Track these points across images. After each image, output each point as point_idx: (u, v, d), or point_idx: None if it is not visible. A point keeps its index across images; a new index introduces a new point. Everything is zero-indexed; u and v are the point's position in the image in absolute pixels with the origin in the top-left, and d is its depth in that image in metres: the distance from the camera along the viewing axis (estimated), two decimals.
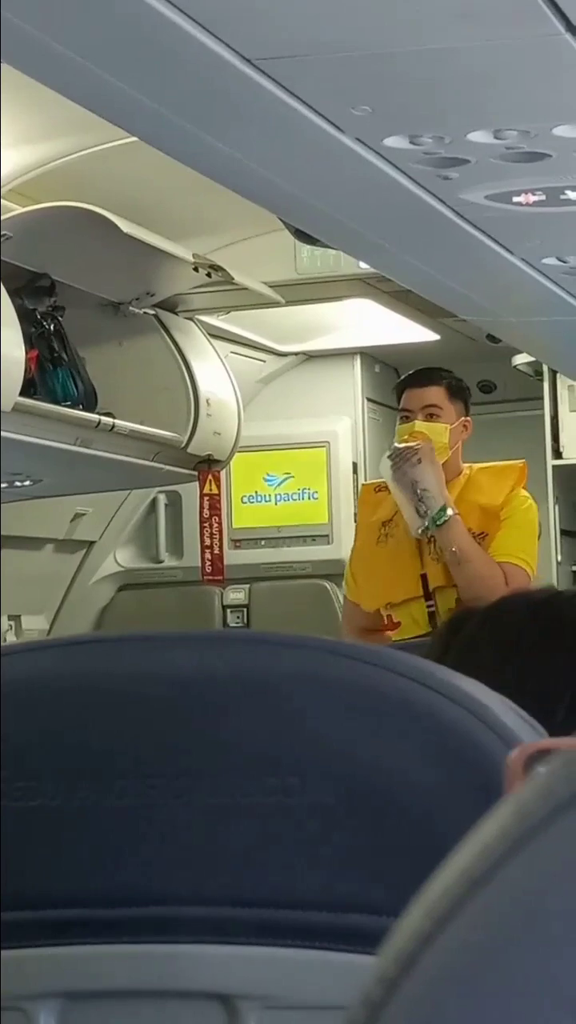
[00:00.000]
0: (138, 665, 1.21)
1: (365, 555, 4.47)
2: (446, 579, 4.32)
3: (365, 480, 6.24)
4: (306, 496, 6.58)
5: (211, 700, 1.18)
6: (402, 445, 4.37)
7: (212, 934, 1.16)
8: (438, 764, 1.13)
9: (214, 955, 1.16)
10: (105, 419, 5.01)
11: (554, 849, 0.41)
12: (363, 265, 4.78)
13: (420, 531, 4.31)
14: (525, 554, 4.38)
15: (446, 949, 0.41)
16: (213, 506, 5.73)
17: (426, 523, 4.28)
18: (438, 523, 4.27)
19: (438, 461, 4.35)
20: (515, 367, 6.39)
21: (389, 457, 4.40)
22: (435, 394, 4.45)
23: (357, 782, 1.14)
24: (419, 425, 4.40)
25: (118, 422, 5.05)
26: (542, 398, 6.42)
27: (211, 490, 5.72)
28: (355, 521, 4.77)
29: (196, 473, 5.65)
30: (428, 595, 4.35)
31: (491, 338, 5.39)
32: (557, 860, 0.40)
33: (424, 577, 4.36)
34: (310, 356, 6.69)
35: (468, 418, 4.52)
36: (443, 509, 4.28)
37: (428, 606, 4.34)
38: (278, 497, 6.62)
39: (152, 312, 5.53)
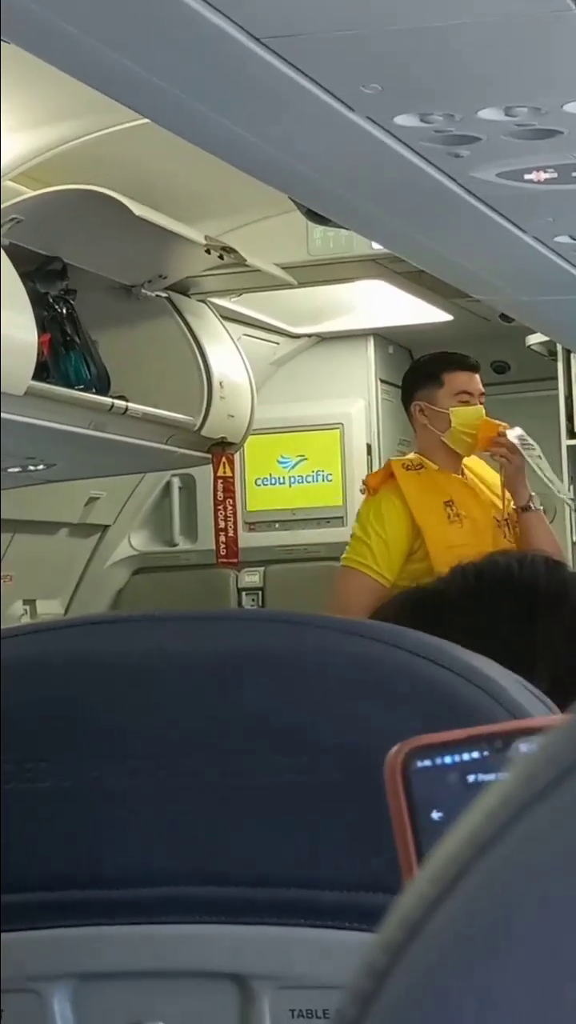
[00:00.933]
0: (150, 644, 1.20)
1: (438, 533, 4.63)
2: None
3: (379, 462, 6.24)
4: (320, 478, 6.57)
5: (223, 679, 1.17)
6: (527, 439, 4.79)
7: (225, 914, 1.15)
8: None
9: (228, 935, 1.15)
10: (118, 402, 5.00)
11: (559, 814, 0.40)
12: (376, 246, 4.77)
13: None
14: None
15: (451, 915, 0.40)
16: (227, 489, 5.73)
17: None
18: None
19: None
20: (529, 347, 6.37)
21: (525, 442, 4.77)
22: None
23: (369, 761, 1.14)
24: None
25: (131, 405, 5.05)
26: (556, 378, 6.40)
27: (225, 473, 5.71)
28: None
29: (210, 456, 5.65)
30: None
31: (505, 318, 5.38)
32: (562, 825, 0.40)
33: None
34: (323, 338, 6.67)
35: None
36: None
37: None
38: (292, 479, 6.61)
39: (164, 295, 5.52)
